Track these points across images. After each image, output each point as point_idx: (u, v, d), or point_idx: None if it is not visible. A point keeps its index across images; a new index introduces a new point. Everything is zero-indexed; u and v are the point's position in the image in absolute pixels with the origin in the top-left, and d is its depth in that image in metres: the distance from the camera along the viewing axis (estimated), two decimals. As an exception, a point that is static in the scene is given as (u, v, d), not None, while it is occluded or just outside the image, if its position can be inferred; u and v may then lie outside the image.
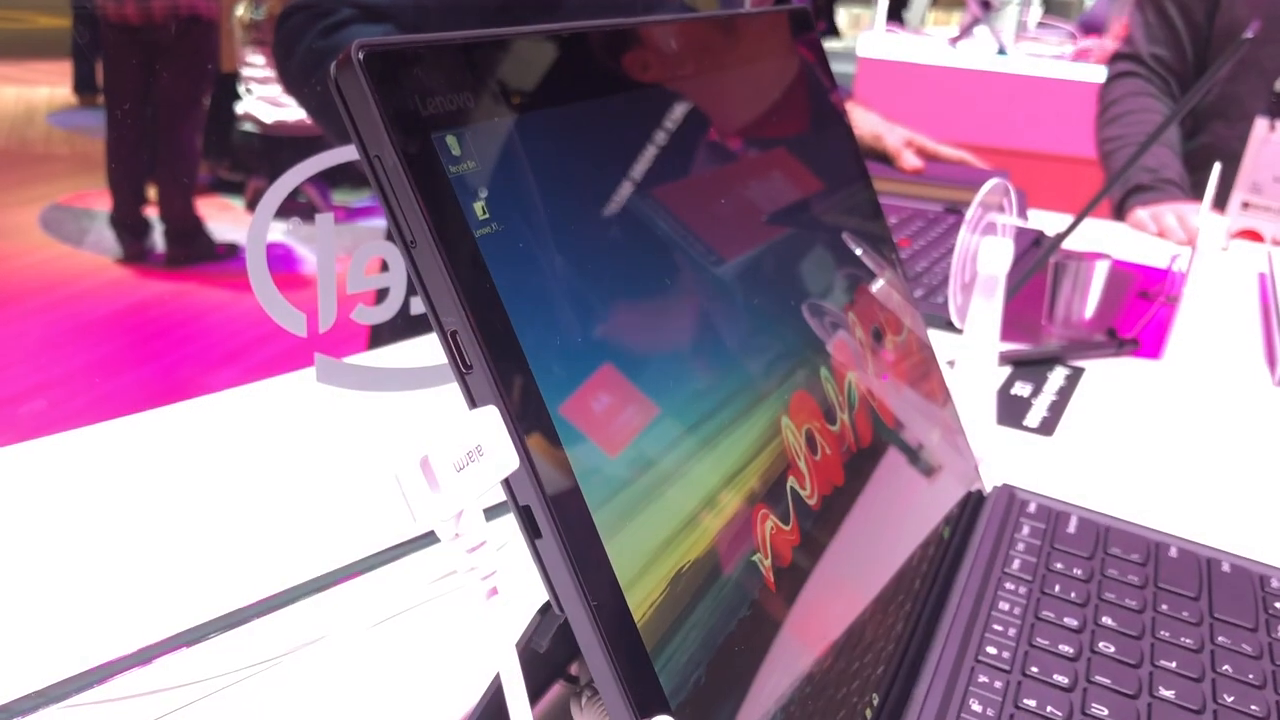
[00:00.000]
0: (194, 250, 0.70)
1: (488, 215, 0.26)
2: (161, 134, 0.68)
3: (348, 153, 0.48)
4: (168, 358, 0.69)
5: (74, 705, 0.43)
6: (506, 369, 0.26)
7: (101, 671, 0.43)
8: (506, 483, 0.26)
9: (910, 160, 1.41)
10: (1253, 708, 0.44)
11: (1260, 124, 1.27)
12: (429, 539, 0.56)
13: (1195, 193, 1.34)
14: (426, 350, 0.53)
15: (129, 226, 0.70)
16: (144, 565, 0.53)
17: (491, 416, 0.24)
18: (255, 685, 0.46)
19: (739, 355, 0.38)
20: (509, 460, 0.25)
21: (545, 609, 0.28)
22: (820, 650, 0.37)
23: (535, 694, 0.43)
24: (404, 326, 0.55)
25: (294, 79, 0.70)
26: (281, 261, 0.49)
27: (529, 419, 0.26)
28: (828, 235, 0.50)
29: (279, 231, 0.48)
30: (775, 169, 0.46)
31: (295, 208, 0.49)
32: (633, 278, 0.33)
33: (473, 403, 0.26)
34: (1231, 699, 0.44)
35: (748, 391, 0.38)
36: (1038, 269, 0.88)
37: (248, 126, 0.72)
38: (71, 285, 0.69)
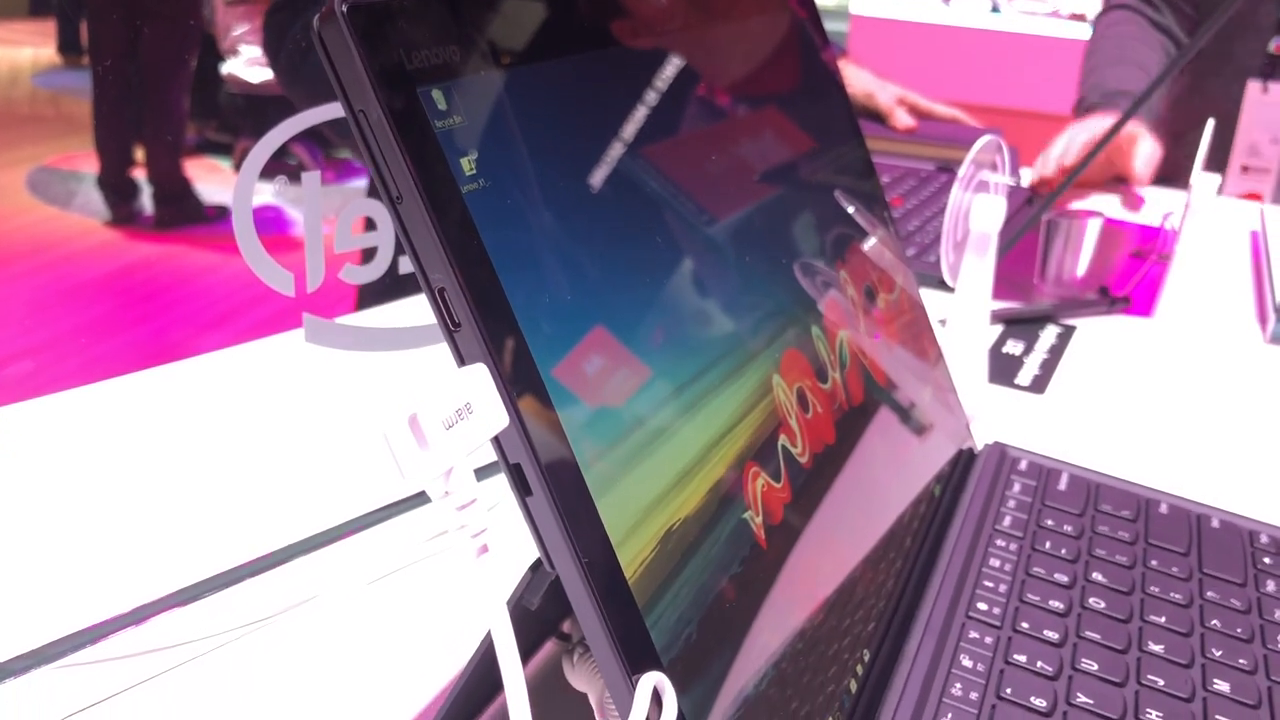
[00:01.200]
0: (183, 212, 0.69)
1: (475, 171, 0.26)
2: (148, 94, 0.67)
3: (333, 110, 0.47)
4: (157, 321, 0.69)
5: (66, 665, 0.43)
6: (495, 326, 0.25)
7: (94, 632, 0.44)
8: (496, 441, 0.26)
9: (903, 119, 1.40)
10: (1240, 661, 0.44)
11: (1253, 87, 1.26)
12: (422, 498, 0.56)
13: (1187, 144, 1.32)
14: (416, 310, 0.52)
15: (117, 188, 0.70)
16: (136, 526, 0.53)
17: (480, 374, 0.24)
18: (249, 645, 0.46)
19: (730, 313, 0.38)
20: (498, 418, 0.25)
21: (536, 567, 0.28)
22: (811, 607, 0.38)
23: (527, 652, 0.44)
24: (392, 287, 0.55)
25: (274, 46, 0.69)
26: (271, 224, 0.48)
27: (518, 377, 0.26)
28: (820, 194, 0.50)
29: (268, 194, 0.48)
30: (767, 127, 0.46)
31: (283, 168, 0.48)
32: (623, 235, 0.33)
33: (461, 361, 0.26)
34: (1220, 653, 0.45)
35: (739, 350, 0.37)
36: (1030, 227, 0.88)
37: (235, 87, 0.72)
38: (60, 248, 0.68)
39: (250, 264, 0.44)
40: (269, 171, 0.47)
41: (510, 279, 0.26)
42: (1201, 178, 0.97)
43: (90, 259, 0.68)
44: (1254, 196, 1.31)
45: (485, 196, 0.26)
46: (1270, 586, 0.50)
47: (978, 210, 0.63)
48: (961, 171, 0.66)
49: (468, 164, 0.26)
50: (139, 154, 0.67)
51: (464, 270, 0.25)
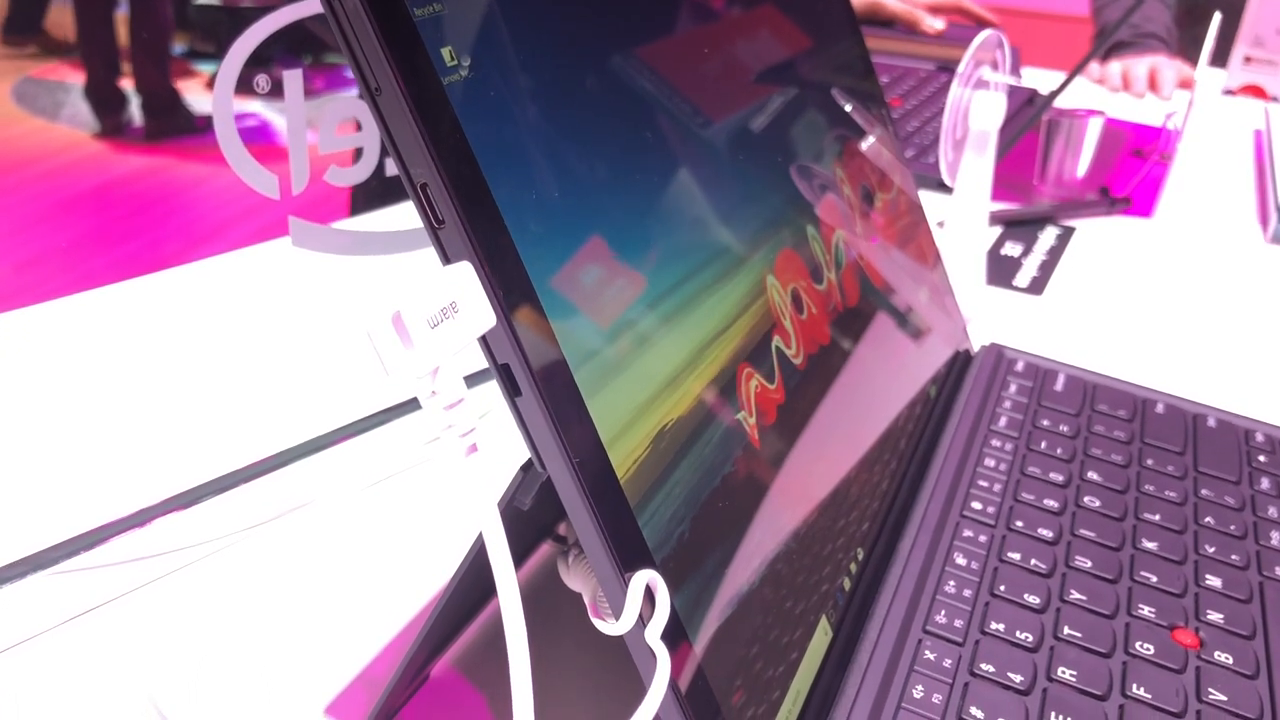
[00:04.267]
0: (173, 123, 0.68)
1: (456, 62, 0.25)
2: (132, 3, 0.65)
3: (312, 6, 0.46)
4: (148, 234, 0.68)
5: (62, 572, 0.43)
6: (480, 223, 0.25)
7: (88, 538, 0.44)
8: (484, 342, 0.26)
9: (932, 23, 1.36)
10: (1233, 557, 0.44)
11: None
12: (417, 404, 0.55)
13: (1193, 48, 1.30)
14: (405, 215, 0.52)
15: (104, 99, 0.68)
16: (130, 432, 0.53)
17: (465, 272, 0.24)
18: (244, 550, 0.46)
19: (723, 213, 0.37)
20: (485, 317, 0.24)
21: (527, 467, 0.28)
22: (805, 507, 0.38)
23: (523, 555, 0.44)
24: (382, 193, 0.54)
25: None
26: (259, 134, 0.47)
27: (504, 275, 0.25)
28: (817, 93, 0.49)
29: (259, 108, 0.47)
30: (764, 24, 0.45)
31: (267, 72, 0.47)
32: (612, 132, 0.32)
33: (446, 259, 0.25)
34: (1213, 549, 0.45)
35: (732, 250, 0.37)
36: (1030, 127, 0.87)
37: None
38: (49, 160, 0.67)
39: (233, 166, 0.43)
40: (253, 80, 0.46)
41: (495, 174, 0.26)
42: (1207, 74, 0.95)
43: (79, 171, 0.67)
44: (1255, 89, 1.29)
45: (468, 88, 0.25)
46: (1264, 484, 0.50)
47: (977, 107, 0.62)
48: (961, 67, 0.64)
49: (449, 54, 0.25)
50: (126, 64, 0.66)
51: (446, 165, 0.24)
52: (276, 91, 0.46)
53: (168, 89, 0.68)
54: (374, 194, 0.53)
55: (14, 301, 0.60)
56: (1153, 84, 1.28)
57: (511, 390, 0.26)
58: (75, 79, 0.69)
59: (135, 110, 0.68)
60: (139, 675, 0.40)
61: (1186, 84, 1.27)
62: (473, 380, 0.55)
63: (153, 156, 0.68)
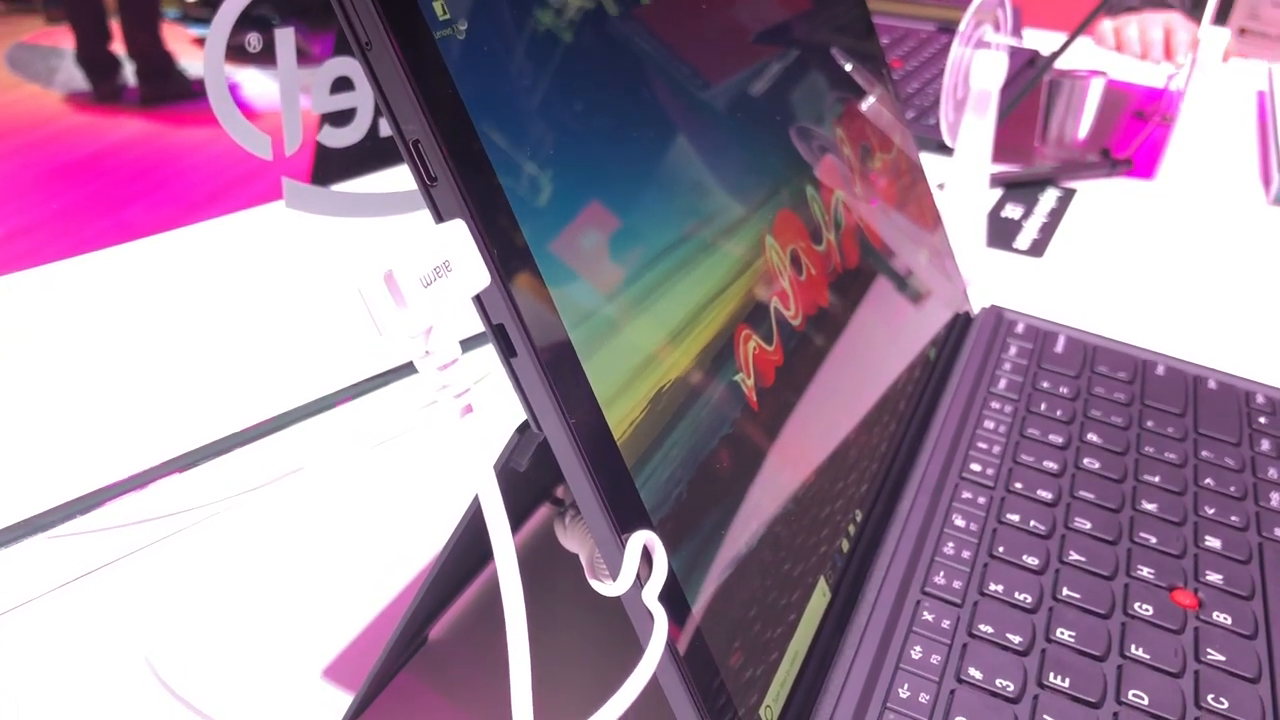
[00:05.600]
0: (168, 87, 0.67)
1: (449, 15, 0.25)
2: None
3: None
4: (144, 201, 0.67)
5: (59, 535, 0.43)
6: (473, 180, 0.24)
7: (86, 501, 0.43)
8: (479, 302, 0.25)
9: None
10: (1233, 519, 0.44)
11: None
12: (415, 368, 0.55)
13: (1195, 10, 1.29)
14: (399, 177, 0.51)
15: (97, 64, 0.68)
16: (127, 396, 0.52)
17: (459, 230, 0.23)
18: (240, 514, 0.46)
19: (721, 172, 0.37)
20: (479, 276, 0.24)
21: (524, 429, 0.28)
22: (804, 470, 0.37)
23: (520, 518, 0.44)
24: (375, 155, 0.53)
25: None
26: (256, 101, 0.47)
27: (498, 233, 0.25)
28: (818, 53, 0.48)
29: (255, 77, 0.46)
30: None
31: (258, 33, 0.46)
32: (608, 89, 0.31)
33: (439, 217, 0.25)
34: (1212, 511, 0.45)
35: (730, 210, 0.36)
36: (1031, 88, 0.86)
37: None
38: (44, 128, 0.67)
39: (225, 126, 0.43)
40: (244, 44, 0.46)
41: (488, 130, 0.25)
42: (1210, 33, 0.94)
43: (76, 138, 0.66)
44: None
45: (460, 43, 0.25)
46: (1264, 446, 0.50)
47: (978, 66, 0.61)
48: (962, 25, 0.64)
49: (440, 8, 0.24)
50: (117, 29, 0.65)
51: (438, 120, 0.24)
52: (268, 55, 0.45)
53: (160, 52, 0.67)
54: (369, 155, 0.53)
55: (10, 266, 0.60)
56: (1168, 47, 1.27)
57: (506, 351, 0.26)
58: (68, 44, 0.68)
59: (130, 75, 0.67)
60: (136, 638, 0.40)
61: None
62: (469, 345, 0.55)
63: (148, 122, 0.68)
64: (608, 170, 0.30)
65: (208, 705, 0.37)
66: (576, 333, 0.27)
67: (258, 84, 0.49)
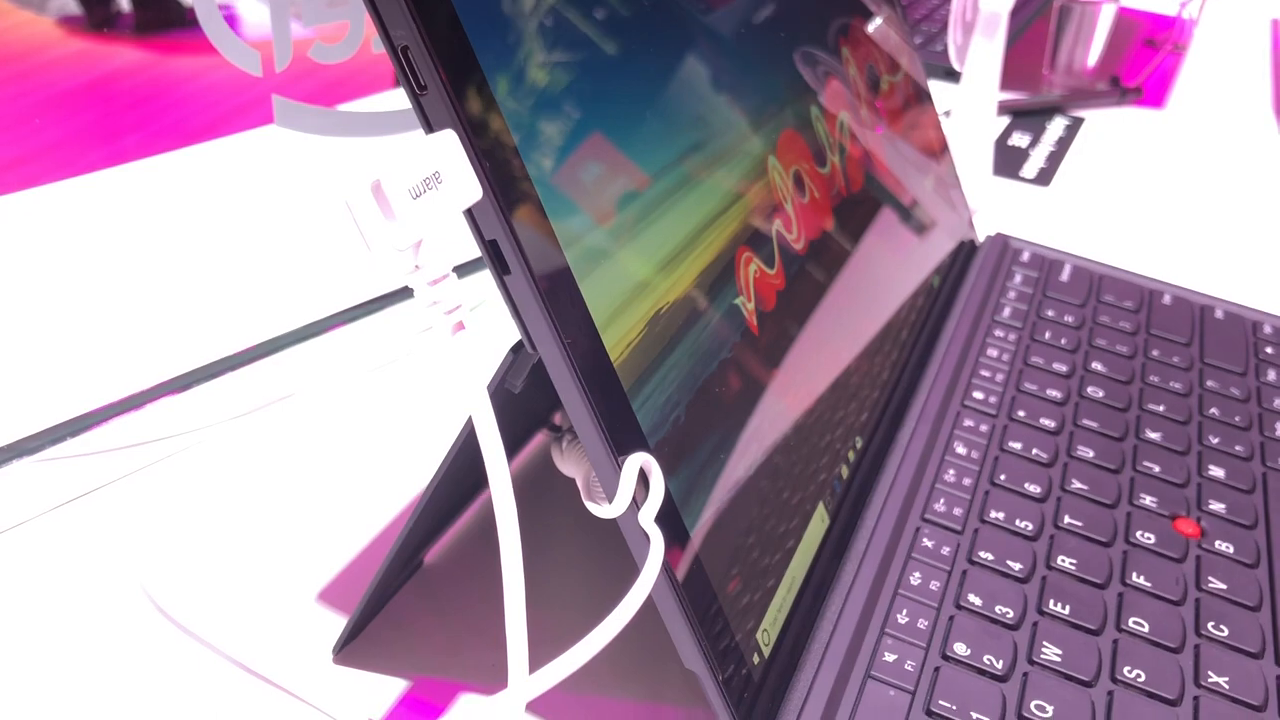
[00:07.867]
0: (162, 14, 0.66)
1: (438, -85, 0.24)
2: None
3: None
4: (143, 130, 0.66)
5: (50, 459, 0.43)
6: (464, 89, 0.23)
7: (78, 423, 0.43)
8: (471, 218, 0.25)
9: None
10: (1237, 448, 0.44)
11: None
12: (411, 292, 0.55)
13: None
14: (395, 99, 0.50)
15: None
16: (123, 318, 0.52)
17: (449, 141, 0.22)
18: (234, 437, 0.46)
19: (723, 90, 0.35)
20: (471, 189, 0.23)
21: (518, 349, 0.27)
22: (804, 396, 0.37)
23: (517, 444, 0.43)
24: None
25: None
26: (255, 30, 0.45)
27: (491, 145, 0.24)
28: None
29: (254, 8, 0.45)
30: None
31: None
32: (606, 0, 0.30)
33: (429, 128, 0.24)
34: (1217, 440, 0.44)
35: (733, 129, 0.35)
36: (1041, 13, 0.84)
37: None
38: (38, 55, 0.65)
39: (214, 41, 0.42)
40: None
41: (480, 37, 0.24)
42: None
43: (71, 67, 0.65)
44: None
45: (450, -55, 0.24)
46: (1271, 375, 0.49)
47: (988, -12, 0.59)
48: (972, -54, 0.62)
49: (429, -93, 0.23)
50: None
51: (428, 25, 0.23)
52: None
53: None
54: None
55: (4, 188, 0.59)
56: None
57: (500, 268, 0.25)
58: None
59: (123, 2, 0.66)
60: (130, 562, 0.39)
61: None
62: (464, 271, 0.54)
63: (143, 50, 0.66)
64: (605, 83, 0.29)
65: (202, 629, 0.37)
66: (572, 250, 0.26)
67: (250, 9, 0.47)
